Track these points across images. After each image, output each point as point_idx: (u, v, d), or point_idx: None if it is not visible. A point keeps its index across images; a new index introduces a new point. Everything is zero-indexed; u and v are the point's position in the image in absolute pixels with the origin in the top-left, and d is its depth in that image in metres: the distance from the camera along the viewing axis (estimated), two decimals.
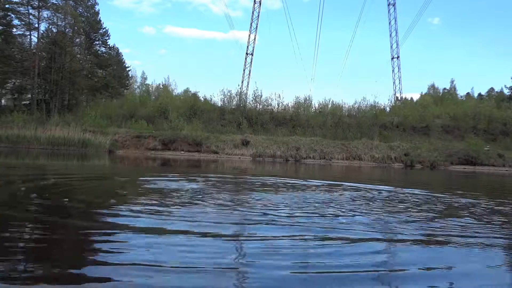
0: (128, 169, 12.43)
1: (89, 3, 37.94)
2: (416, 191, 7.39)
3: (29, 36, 34.07)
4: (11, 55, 31.87)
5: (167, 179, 7.54)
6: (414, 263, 2.56)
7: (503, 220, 4.50)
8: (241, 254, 2.60)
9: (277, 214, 4.11)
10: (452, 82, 52.23)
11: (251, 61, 41.49)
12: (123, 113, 30.40)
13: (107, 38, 38.73)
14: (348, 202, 5.33)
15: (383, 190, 7.43)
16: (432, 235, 3.50)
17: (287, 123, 31.29)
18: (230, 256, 2.53)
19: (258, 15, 41.59)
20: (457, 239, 3.32)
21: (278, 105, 33.46)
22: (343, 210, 4.61)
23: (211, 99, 34.37)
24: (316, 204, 4.95)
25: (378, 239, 3.21)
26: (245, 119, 30.31)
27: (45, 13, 33.77)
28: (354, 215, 4.29)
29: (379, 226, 3.78)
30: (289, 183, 8.28)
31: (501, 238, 3.53)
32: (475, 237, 3.46)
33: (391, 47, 43.98)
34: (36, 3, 32.27)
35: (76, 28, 36.11)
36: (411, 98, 45.00)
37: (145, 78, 52.91)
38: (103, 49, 38.98)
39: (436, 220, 4.27)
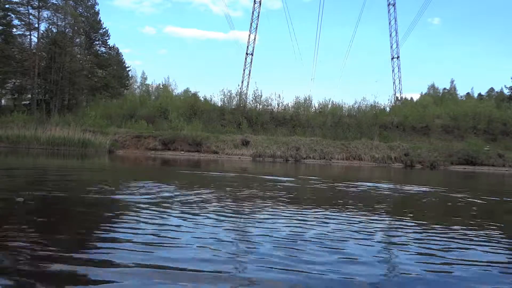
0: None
1: (89, 3, 37.95)
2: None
3: (29, 36, 34.12)
4: (11, 55, 31.88)
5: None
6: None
7: None
8: None
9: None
10: (452, 82, 52.35)
11: (251, 61, 41.50)
12: (123, 113, 30.41)
13: (107, 38, 38.76)
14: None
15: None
16: None
17: (287, 123, 31.29)
18: None
19: (258, 15, 41.60)
20: None
21: (278, 105, 33.54)
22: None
23: (211, 99, 34.45)
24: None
25: None
26: (245, 119, 30.32)
27: (45, 13, 33.84)
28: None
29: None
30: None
31: None
32: None
33: (391, 47, 44.03)
34: (36, 3, 32.27)
35: (76, 28, 36.13)
36: (411, 98, 45.08)
37: (145, 78, 53.01)
38: (103, 49, 39.01)
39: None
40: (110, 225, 3.36)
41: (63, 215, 3.85)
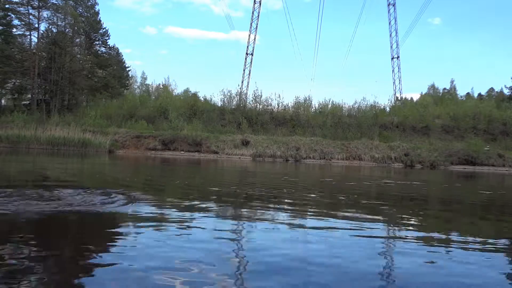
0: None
1: (89, 3, 37.93)
2: None
3: (29, 36, 34.10)
4: (11, 55, 31.85)
5: None
6: None
7: None
8: None
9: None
10: (452, 82, 52.30)
11: (251, 61, 41.51)
12: (123, 113, 30.41)
13: (107, 38, 38.73)
14: None
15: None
16: None
17: (287, 123, 31.28)
18: None
19: (258, 15, 41.63)
20: None
21: (278, 105, 33.55)
22: None
23: (211, 99, 34.44)
24: None
25: None
26: (245, 119, 30.31)
27: (45, 13, 33.83)
28: None
29: None
30: None
31: None
32: None
33: (391, 47, 44.07)
34: (36, 3, 32.27)
35: (76, 28, 36.12)
36: (411, 98, 45.03)
37: (145, 78, 53.05)
38: (103, 49, 38.98)
39: None
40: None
41: None
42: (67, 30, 35.54)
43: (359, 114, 32.48)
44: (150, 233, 2.98)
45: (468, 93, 48.06)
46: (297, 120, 31.26)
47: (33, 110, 30.90)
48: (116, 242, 2.70)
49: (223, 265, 2.26)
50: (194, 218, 3.64)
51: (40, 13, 33.11)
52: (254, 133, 28.68)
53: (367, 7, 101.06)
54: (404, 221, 4.22)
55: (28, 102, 34.51)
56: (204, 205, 4.58)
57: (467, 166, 25.01)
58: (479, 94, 47.94)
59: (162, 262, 2.25)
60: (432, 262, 2.57)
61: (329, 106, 33.70)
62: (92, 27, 37.17)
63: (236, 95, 34.85)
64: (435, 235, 3.59)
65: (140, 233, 2.94)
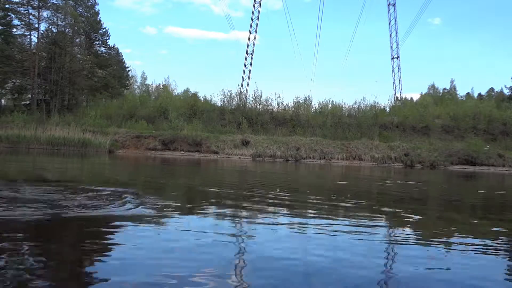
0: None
1: (89, 3, 37.91)
2: None
3: (29, 36, 34.08)
4: (11, 55, 31.83)
5: None
6: None
7: None
8: None
9: None
10: (452, 82, 52.22)
11: (251, 61, 41.48)
12: (123, 113, 30.41)
13: (107, 38, 38.71)
14: None
15: None
16: None
17: (287, 123, 31.28)
18: None
19: (258, 15, 41.59)
20: None
21: (278, 105, 33.53)
22: None
23: (211, 99, 34.40)
24: None
25: None
26: (245, 119, 30.30)
27: (45, 13, 33.82)
28: None
29: None
30: None
31: None
32: None
33: (391, 47, 44.03)
34: (36, 3, 32.26)
35: (76, 28, 36.10)
36: (411, 98, 44.93)
37: (145, 78, 52.98)
38: (103, 49, 38.95)
39: None
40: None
41: None
42: (67, 30, 35.53)
43: (359, 114, 32.48)
44: (149, 235, 2.98)
45: (468, 93, 48.04)
46: (297, 120, 31.26)
47: (33, 110, 30.89)
48: (115, 247, 2.69)
49: (222, 273, 2.26)
50: (194, 221, 3.64)
51: (40, 13, 33.11)
52: (254, 133, 28.68)
53: (367, 7, 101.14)
54: (403, 221, 4.22)
55: (28, 102, 34.51)
56: (204, 207, 4.58)
57: (467, 166, 25.02)
58: (479, 94, 47.93)
59: (160, 268, 2.26)
60: (432, 259, 2.58)
61: (329, 106, 33.70)
62: (92, 27, 37.15)
63: (236, 95, 34.89)
64: (435, 234, 3.59)
65: (139, 236, 2.94)
